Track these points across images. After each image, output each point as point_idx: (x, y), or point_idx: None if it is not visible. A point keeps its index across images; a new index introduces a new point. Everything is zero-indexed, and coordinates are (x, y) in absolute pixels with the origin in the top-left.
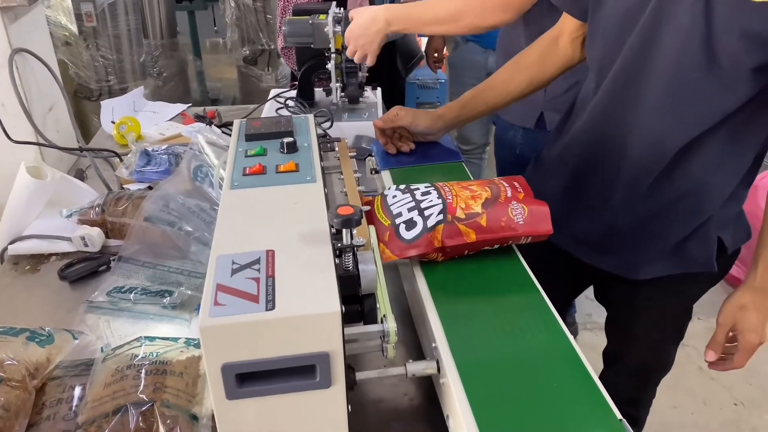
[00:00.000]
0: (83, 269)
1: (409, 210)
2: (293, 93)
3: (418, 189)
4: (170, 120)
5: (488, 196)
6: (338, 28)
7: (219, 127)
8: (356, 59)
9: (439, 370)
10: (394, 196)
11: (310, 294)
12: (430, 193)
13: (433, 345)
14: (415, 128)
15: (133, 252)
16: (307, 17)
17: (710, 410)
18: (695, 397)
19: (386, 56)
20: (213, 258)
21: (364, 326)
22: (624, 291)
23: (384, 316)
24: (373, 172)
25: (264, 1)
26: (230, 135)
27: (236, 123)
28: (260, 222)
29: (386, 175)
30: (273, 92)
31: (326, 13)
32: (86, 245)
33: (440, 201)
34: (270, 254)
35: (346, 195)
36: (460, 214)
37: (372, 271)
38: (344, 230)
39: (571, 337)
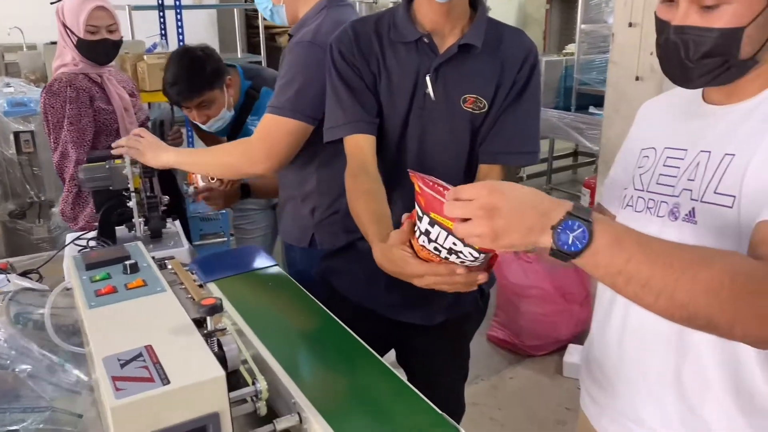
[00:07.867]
0: None
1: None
2: (90, 234)
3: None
4: None
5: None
6: (136, 170)
7: (21, 275)
8: None
9: (301, 420)
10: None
11: (195, 367)
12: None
13: (293, 401)
14: None
15: None
16: (104, 162)
17: None
18: None
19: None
20: (98, 362)
21: (241, 389)
22: (425, 340)
23: (254, 380)
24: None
25: (30, 154)
26: (36, 281)
27: (70, 259)
28: (128, 328)
29: (212, 286)
30: (69, 236)
31: (121, 157)
32: None
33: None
34: (149, 348)
35: (193, 300)
36: None
37: (234, 349)
38: (208, 318)
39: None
